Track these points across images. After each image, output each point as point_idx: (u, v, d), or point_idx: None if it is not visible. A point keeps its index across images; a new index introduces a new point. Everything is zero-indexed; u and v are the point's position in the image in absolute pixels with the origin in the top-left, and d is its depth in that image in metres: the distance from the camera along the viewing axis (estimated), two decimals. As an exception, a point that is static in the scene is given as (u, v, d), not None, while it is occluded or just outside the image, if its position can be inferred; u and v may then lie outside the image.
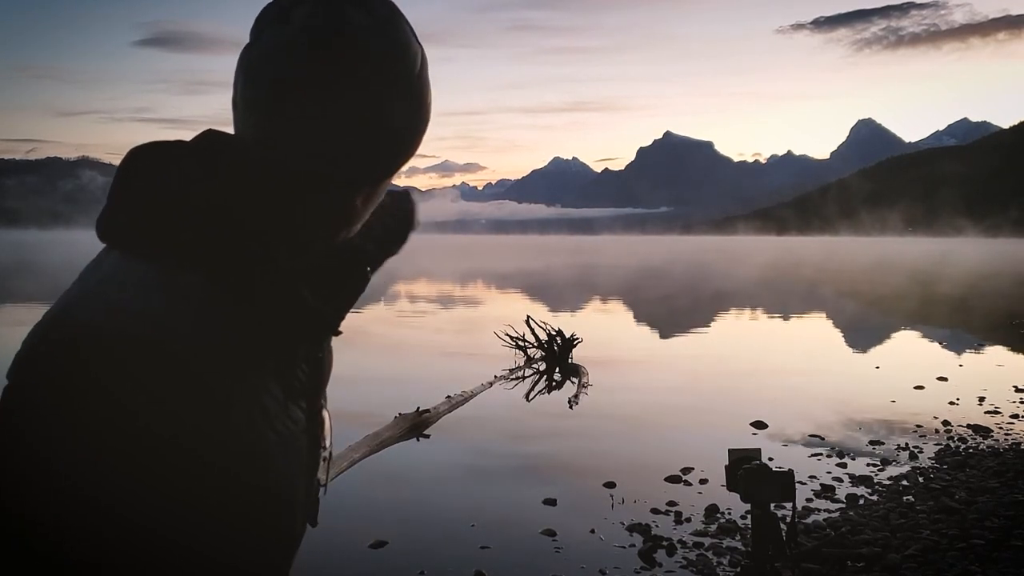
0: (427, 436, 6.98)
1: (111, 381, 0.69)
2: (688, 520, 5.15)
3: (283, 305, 0.78)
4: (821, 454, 6.76)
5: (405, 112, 0.80)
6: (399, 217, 0.93)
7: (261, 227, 0.77)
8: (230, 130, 0.85)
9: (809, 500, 5.53)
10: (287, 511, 0.82)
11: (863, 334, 16.43)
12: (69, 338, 0.71)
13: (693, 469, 6.14)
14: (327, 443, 0.92)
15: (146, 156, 0.80)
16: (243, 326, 0.76)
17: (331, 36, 0.75)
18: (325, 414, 0.91)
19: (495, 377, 9.94)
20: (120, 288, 0.74)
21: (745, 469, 2.41)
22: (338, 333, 0.83)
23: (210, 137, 0.80)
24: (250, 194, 0.77)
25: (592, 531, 4.95)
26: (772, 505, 2.41)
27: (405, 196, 0.97)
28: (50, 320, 0.74)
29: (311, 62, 0.75)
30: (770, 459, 2.53)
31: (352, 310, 0.85)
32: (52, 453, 0.67)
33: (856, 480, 6.03)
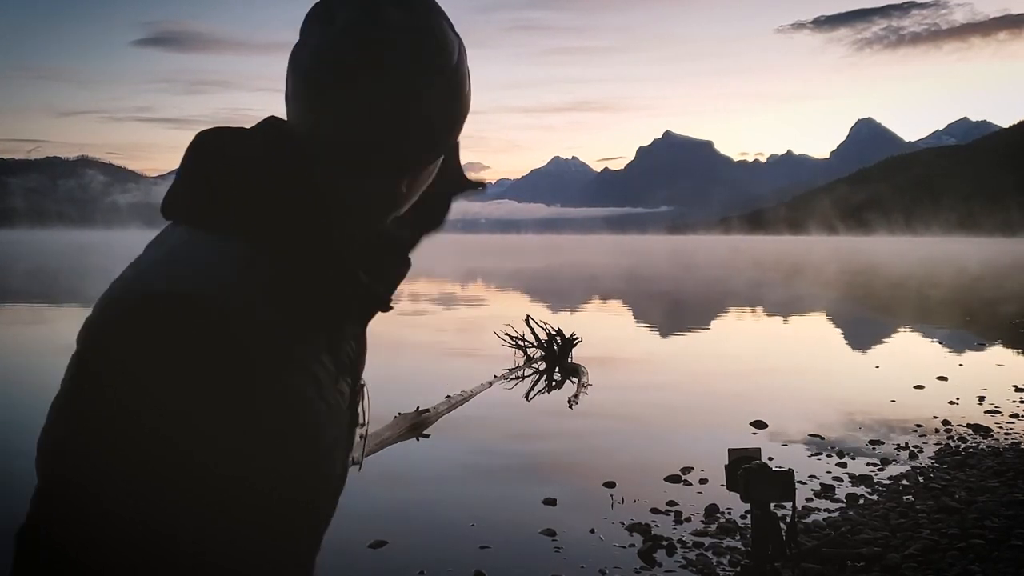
0: (427, 436, 6.98)
1: (180, 342, 0.74)
2: (688, 520, 5.15)
3: (339, 281, 0.84)
4: (821, 454, 6.75)
5: (441, 103, 0.84)
6: (436, 207, 1.01)
7: (319, 208, 0.83)
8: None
9: (809, 500, 5.53)
10: (326, 483, 0.89)
11: (863, 334, 16.43)
12: (144, 302, 0.76)
13: (693, 469, 6.14)
14: (364, 419, 0.99)
15: (214, 139, 0.86)
16: (301, 299, 0.82)
17: (370, 34, 0.80)
18: (365, 390, 0.98)
19: (495, 377, 9.93)
20: (190, 257, 0.79)
21: (745, 469, 2.40)
22: (389, 308, 0.90)
23: (272, 123, 0.87)
24: (309, 177, 0.84)
25: (592, 531, 4.95)
26: (772, 505, 2.40)
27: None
28: (122, 287, 0.79)
29: (352, 58, 0.80)
30: (770, 459, 2.52)
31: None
32: (143, 400, 0.73)
33: (856, 480, 6.02)
